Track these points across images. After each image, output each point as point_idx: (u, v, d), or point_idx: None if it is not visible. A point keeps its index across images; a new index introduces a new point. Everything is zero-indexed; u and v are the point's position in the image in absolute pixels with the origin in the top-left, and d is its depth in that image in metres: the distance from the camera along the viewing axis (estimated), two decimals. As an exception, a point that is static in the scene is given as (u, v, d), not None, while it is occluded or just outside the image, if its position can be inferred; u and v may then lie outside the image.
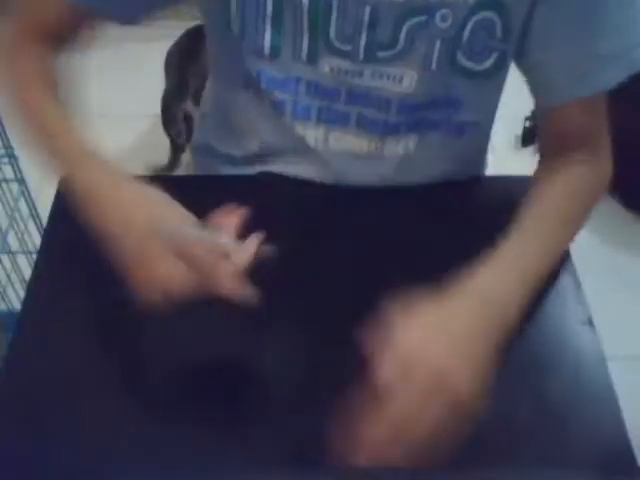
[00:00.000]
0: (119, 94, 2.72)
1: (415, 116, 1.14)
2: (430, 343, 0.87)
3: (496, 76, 1.10)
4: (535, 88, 1.12)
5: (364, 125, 1.15)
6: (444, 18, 1.02)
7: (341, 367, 0.97)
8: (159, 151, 2.51)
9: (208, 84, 1.35)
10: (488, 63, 1.07)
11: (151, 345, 1.01)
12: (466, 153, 1.23)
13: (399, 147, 1.18)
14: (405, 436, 0.84)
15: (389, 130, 1.15)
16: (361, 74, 1.09)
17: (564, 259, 1.12)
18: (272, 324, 1.02)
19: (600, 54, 1.04)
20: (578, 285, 1.09)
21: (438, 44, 1.05)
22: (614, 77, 1.05)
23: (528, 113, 2.66)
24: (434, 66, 1.07)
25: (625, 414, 0.95)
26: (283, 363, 0.99)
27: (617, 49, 1.04)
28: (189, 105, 2.36)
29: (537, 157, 1.17)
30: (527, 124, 2.71)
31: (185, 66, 2.38)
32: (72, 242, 1.13)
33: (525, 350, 0.99)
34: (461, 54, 1.06)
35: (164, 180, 1.22)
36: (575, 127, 1.12)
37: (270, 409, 0.95)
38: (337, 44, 1.06)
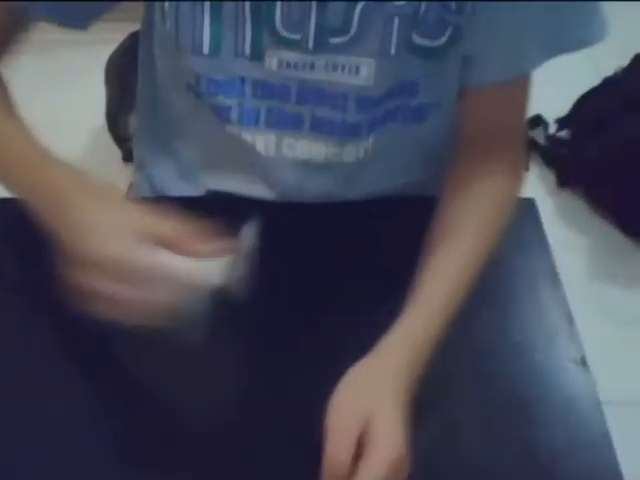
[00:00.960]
0: (56, 105, 2.72)
1: (375, 111, 1.13)
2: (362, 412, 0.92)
3: (452, 53, 1.10)
4: (467, 68, 1.13)
5: (319, 128, 1.15)
6: None
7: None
8: (104, 165, 2.51)
9: (137, 94, 1.35)
10: (443, 39, 1.07)
11: (103, 362, 1.02)
12: (429, 143, 1.22)
13: (360, 150, 1.17)
14: None
15: (348, 131, 1.15)
16: (312, 67, 1.08)
17: (555, 289, 1.13)
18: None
19: (532, 33, 1.07)
20: (570, 320, 1.10)
21: (396, 24, 1.05)
22: (541, 58, 1.09)
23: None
24: (393, 50, 1.07)
25: (622, 463, 0.96)
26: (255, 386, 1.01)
27: (547, 28, 1.07)
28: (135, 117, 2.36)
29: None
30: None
31: (128, 73, 2.37)
32: (18, 249, 1.13)
33: (511, 392, 0.99)
34: (416, 33, 1.06)
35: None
36: (496, 119, 1.16)
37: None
38: (284, 33, 1.06)
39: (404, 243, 1.14)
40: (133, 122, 2.34)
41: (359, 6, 1.03)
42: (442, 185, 1.16)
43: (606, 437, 0.98)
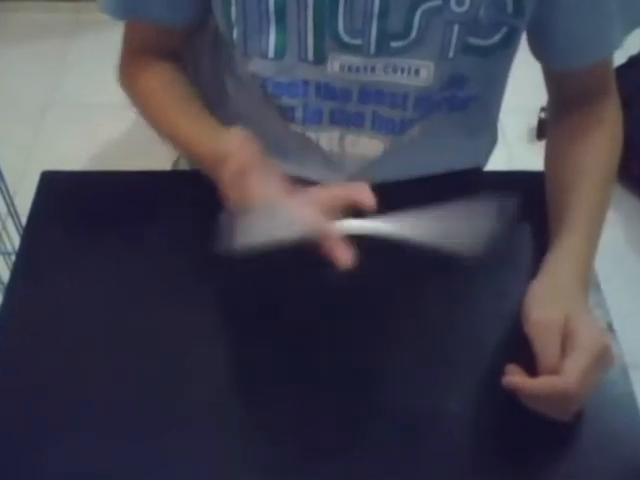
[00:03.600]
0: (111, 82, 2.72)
1: (430, 109, 1.14)
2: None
3: (504, 51, 1.10)
4: (552, 55, 1.15)
5: (379, 125, 1.16)
6: (460, 2, 1.02)
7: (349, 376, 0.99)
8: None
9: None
10: (497, 38, 1.07)
11: (137, 344, 1.02)
12: (471, 125, 1.23)
13: (405, 138, 1.18)
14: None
15: (404, 127, 1.16)
16: (373, 69, 1.09)
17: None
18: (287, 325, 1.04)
19: (610, 12, 1.08)
20: (598, 288, 1.11)
21: (456, 29, 1.05)
22: (622, 34, 1.11)
23: (544, 103, 2.65)
24: (451, 54, 1.07)
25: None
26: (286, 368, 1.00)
27: (622, 4, 1.08)
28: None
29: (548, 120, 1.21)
30: (543, 115, 2.65)
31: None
32: (53, 242, 1.13)
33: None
34: (472, 35, 1.06)
35: (169, 175, 1.23)
36: (589, 84, 1.18)
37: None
38: (346, 39, 1.06)
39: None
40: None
41: (419, 12, 1.03)
42: (550, 141, 1.22)
43: (631, 397, 0.99)
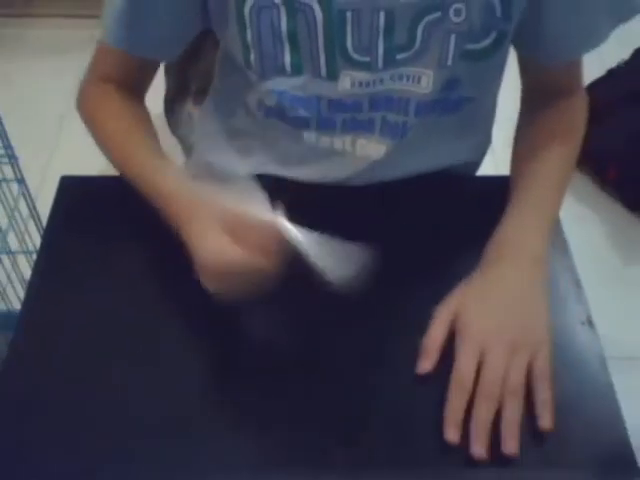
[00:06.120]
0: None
1: (427, 112, 1.13)
2: (491, 317, 1.00)
3: (495, 55, 1.09)
4: (537, 52, 1.15)
5: (386, 129, 1.15)
6: (458, 12, 1.02)
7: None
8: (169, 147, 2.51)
9: (209, 107, 1.35)
10: (487, 42, 1.07)
11: (153, 347, 1.01)
12: (464, 125, 1.22)
13: (404, 140, 1.17)
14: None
15: (405, 131, 1.15)
16: (381, 81, 1.08)
17: (564, 257, 1.12)
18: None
19: (597, 9, 1.08)
20: (578, 284, 1.10)
21: (453, 39, 1.04)
22: (609, 29, 1.10)
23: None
24: (450, 62, 1.07)
25: (625, 414, 0.96)
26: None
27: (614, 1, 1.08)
28: (190, 105, 2.35)
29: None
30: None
31: (186, 66, 2.36)
32: (72, 242, 1.13)
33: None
34: (466, 41, 1.06)
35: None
36: (562, 76, 1.21)
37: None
38: (355, 57, 1.06)
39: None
40: (187, 109, 2.35)
41: (421, 24, 1.03)
42: (519, 135, 1.25)
43: (610, 387, 0.99)
